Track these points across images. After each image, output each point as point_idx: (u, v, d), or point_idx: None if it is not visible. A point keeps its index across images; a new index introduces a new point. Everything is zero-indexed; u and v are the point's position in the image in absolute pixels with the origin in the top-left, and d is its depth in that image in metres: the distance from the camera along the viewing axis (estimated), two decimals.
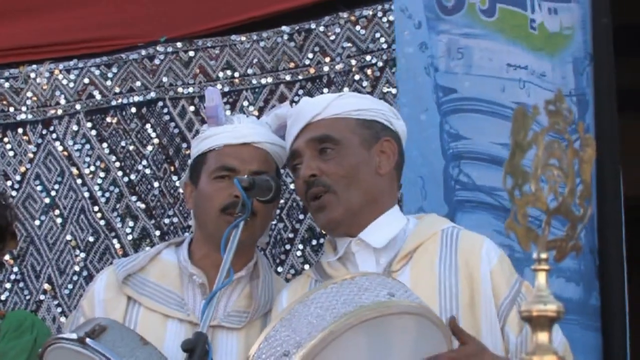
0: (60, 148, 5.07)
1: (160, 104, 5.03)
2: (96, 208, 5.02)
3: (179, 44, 5.04)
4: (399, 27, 4.71)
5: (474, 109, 4.56)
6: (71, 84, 5.09)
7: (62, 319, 4.70)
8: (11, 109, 5.13)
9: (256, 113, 4.82)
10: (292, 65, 4.97)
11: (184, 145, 4.96)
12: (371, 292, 3.68)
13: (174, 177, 4.97)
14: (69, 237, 5.02)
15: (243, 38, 5.02)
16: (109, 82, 5.08)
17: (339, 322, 3.55)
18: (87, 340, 3.80)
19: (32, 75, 5.12)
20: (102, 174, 5.04)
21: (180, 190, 4.88)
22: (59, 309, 4.90)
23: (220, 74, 4.99)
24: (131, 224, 5.00)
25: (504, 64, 4.60)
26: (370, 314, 3.57)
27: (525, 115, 2.72)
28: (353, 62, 4.80)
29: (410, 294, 3.69)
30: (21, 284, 5.01)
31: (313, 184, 3.99)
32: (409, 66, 4.61)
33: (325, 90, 4.77)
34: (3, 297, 5.00)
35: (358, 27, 4.83)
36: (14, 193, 5.08)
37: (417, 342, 3.72)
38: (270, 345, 3.60)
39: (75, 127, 5.07)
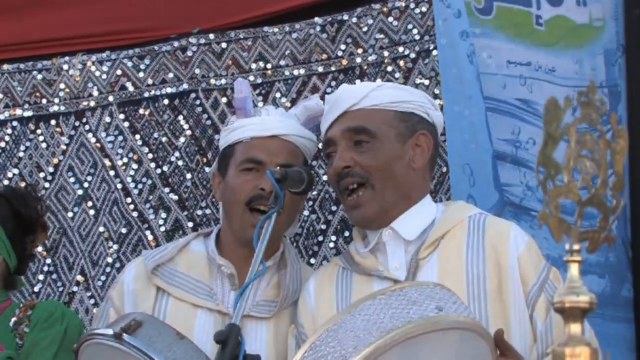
0: (93, 140, 5.03)
1: (193, 95, 4.98)
2: (129, 200, 4.99)
3: (211, 36, 5.00)
4: (439, 17, 4.63)
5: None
6: (104, 76, 5.05)
7: (95, 311, 4.62)
8: (44, 101, 5.09)
9: (288, 105, 4.79)
10: (324, 56, 4.93)
11: (216, 137, 4.85)
12: (419, 305, 3.67)
13: (207, 169, 4.93)
14: (101, 229, 4.99)
15: (275, 29, 4.97)
16: (141, 74, 5.04)
17: (385, 338, 3.53)
18: (124, 335, 3.76)
19: (65, 67, 5.07)
20: (134, 166, 5.01)
21: (208, 185, 4.83)
22: (92, 301, 4.88)
23: (253, 66, 4.95)
24: (164, 215, 4.97)
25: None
26: (418, 331, 3.56)
27: (557, 107, 2.69)
28: (385, 53, 4.77)
29: (459, 305, 3.71)
30: (54, 276, 4.97)
31: (347, 175, 3.96)
32: (452, 54, 4.53)
33: (358, 82, 4.61)
34: (36, 289, 4.96)
35: (390, 19, 4.78)
36: (47, 185, 5.04)
37: (463, 356, 3.72)
38: (315, 355, 3.59)
39: (108, 119, 5.04)
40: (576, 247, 2.63)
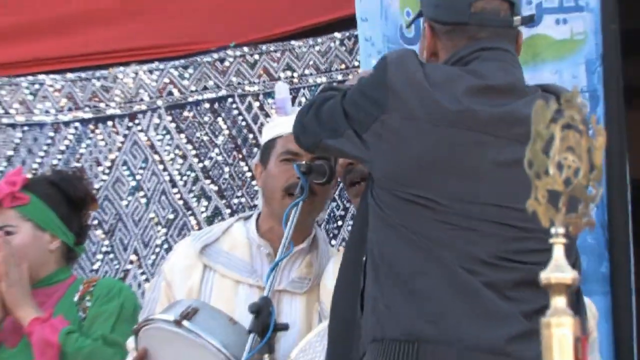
0: (144, 138, 5.13)
1: (230, 100, 5.05)
2: (175, 190, 5.08)
3: (245, 49, 5.06)
4: (364, 54, 4.65)
5: None
6: (153, 83, 5.14)
7: (146, 285, 4.70)
8: (102, 105, 5.17)
9: None
10: (342, 66, 4.97)
11: (250, 135, 4.99)
12: None
13: (242, 163, 4.99)
14: (152, 215, 5.08)
15: (301, 43, 5.03)
16: (185, 82, 5.12)
17: None
18: (184, 322, 3.78)
19: (120, 75, 5.16)
20: (180, 161, 5.09)
21: (247, 175, 4.96)
22: (143, 277, 4.97)
23: (282, 74, 5.00)
24: (205, 203, 5.03)
25: None
26: None
27: (545, 109, 2.75)
28: None
29: None
30: (111, 256, 5.07)
31: (350, 172, 3.99)
32: None
33: None
34: (95, 267, 5.05)
35: None
36: (104, 177, 5.12)
37: None
38: (310, 351, 3.72)
39: (157, 120, 5.13)
40: (561, 230, 2.71)
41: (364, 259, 3.33)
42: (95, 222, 5.01)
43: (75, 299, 4.30)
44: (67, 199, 4.38)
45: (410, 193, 3.20)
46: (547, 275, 2.74)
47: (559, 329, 2.74)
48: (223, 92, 5.07)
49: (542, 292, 2.81)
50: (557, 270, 2.73)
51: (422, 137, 3.22)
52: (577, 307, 2.94)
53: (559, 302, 2.75)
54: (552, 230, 2.73)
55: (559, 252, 2.72)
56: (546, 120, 2.77)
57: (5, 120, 5.16)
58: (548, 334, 2.75)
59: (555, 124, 2.77)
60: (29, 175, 4.48)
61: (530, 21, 3.55)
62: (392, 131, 3.23)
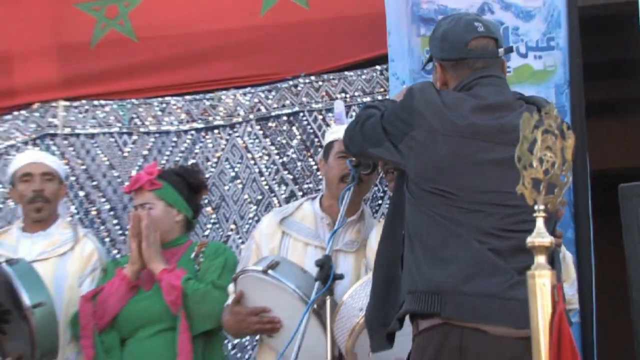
0: (240, 142, 5.05)
1: (301, 114, 5.00)
2: (262, 178, 5.00)
3: (312, 77, 5.00)
4: (392, 85, 4.61)
5: None
6: (247, 102, 5.07)
7: (242, 247, 4.60)
8: (210, 118, 5.10)
9: None
10: (381, 90, 4.89)
11: (316, 139, 4.94)
12: None
13: (310, 160, 4.94)
14: (245, 197, 5.01)
15: (352, 73, 4.96)
16: (269, 101, 5.04)
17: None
18: (269, 271, 3.83)
19: (223, 97, 5.07)
20: (266, 158, 5.02)
21: (314, 167, 4.90)
22: (240, 241, 4.90)
23: (338, 96, 4.92)
24: (284, 188, 4.97)
25: None
26: None
27: (529, 119, 2.74)
28: None
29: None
30: (217, 225, 5.01)
31: (386, 164, 4.01)
32: None
33: None
34: (206, 233, 4.97)
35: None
36: (212, 170, 5.03)
37: None
38: (357, 295, 3.71)
39: (249, 129, 5.05)
40: (542, 207, 2.70)
41: (402, 232, 3.31)
42: (206, 201, 4.98)
43: (192, 256, 4.29)
44: (188, 185, 4.38)
45: (433, 187, 3.22)
46: (532, 240, 2.79)
47: (540, 279, 2.77)
48: (296, 109, 5.01)
49: (530, 254, 2.85)
50: (539, 236, 2.77)
51: (440, 146, 3.21)
52: (553, 263, 2.88)
53: (540, 259, 2.80)
54: (535, 207, 2.76)
55: (540, 223, 2.77)
56: (531, 127, 2.79)
57: (142, 130, 5.12)
58: (532, 283, 2.77)
59: (537, 130, 2.79)
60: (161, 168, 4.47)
61: (510, 51, 3.50)
62: (419, 142, 3.22)
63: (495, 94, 3.29)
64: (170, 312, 4.11)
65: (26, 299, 3.98)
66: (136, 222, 4.20)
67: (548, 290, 2.69)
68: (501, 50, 3.37)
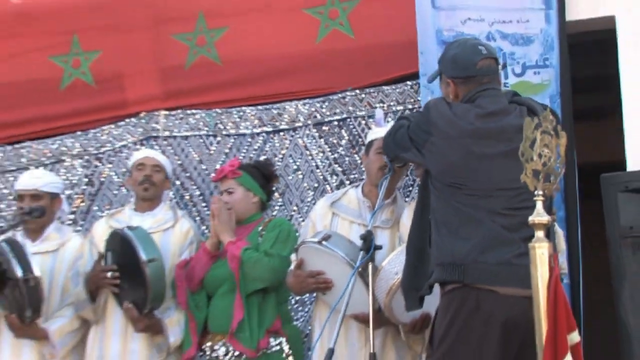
0: (300, 142, 5.00)
1: (349, 120, 4.92)
2: (318, 170, 4.94)
3: (357, 91, 4.92)
4: (423, 94, 4.58)
5: None
6: (306, 111, 5.00)
7: (302, 224, 4.52)
8: (277, 123, 5.02)
9: None
10: (412, 100, 4.81)
11: (360, 140, 4.85)
12: None
13: (355, 156, 4.86)
14: (305, 185, 4.96)
15: (388, 87, 4.87)
16: (323, 109, 4.97)
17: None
18: (323, 242, 3.85)
19: (287, 106, 5.01)
20: (321, 154, 4.95)
21: (358, 161, 4.83)
22: (301, 219, 4.81)
23: (377, 105, 4.82)
24: (335, 178, 4.90)
25: None
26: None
27: (530, 122, 2.74)
28: None
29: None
30: (282, 207, 4.97)
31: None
32: None
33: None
34: (274, 213, 4.91)
35: None
36: (279, 163, 4.97)
37: None
38: (393, 262, 3.70)
39: (308, 132, 5.00)
40: (540, 192, 2.69)
41: (429, 218, 3.33)
42: (274, 189, 4.88)
43: (259, 230, 4.24)
44: (262, 175, 4.35)
45: (451, 181, 3.24)
46: (532, 218, 2.78)
47: (540, 250, 2.74)
48: (344, 115, 4.94)
49: (530, 229, 2.81)
50: (538, 215, 2.76)
51: (453, 148, 3.24)
52: (549, 236, 2.88)
53: (539, 234, 2.78)
54: (535, 192, 2.74)
55: (539, 205, 2.77)
56: (532, 129, 2.77)
57: (224, 133, 5.09)
58: (533, 253, 2.74)
59: (537, 131, 2.77)
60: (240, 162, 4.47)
61: (504, 67, 3.54)
62: (437, 147, 3.26)
63: (494, 103, 3.29)
64: None
65: (143, 255, 4.01)
66: (213, 203, 4.18)
67: (546, 259, 2.66)
68: (499, 67, 3.41)
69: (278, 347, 4.07)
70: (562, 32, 4.48)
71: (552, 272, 2.68)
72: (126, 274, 4.11)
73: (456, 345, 3.14)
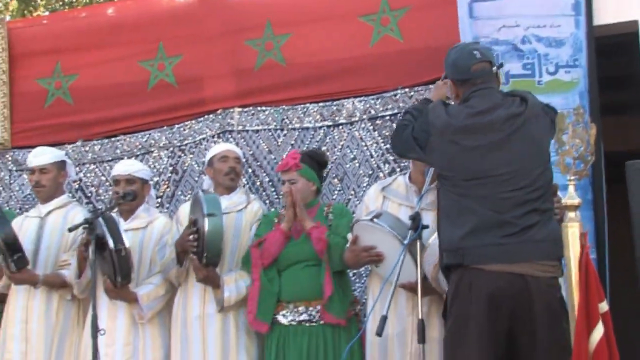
0: (357, 134, 4.94)
1: (399, 115, 4.67)
2: (372, 160, 4.88)
3: (406, 89, 4.85)
4: None
5: None
6: (361, 107, 4.94)
7: (358, 206, 4.42)
8: (336, 118, 4.99)
9: None
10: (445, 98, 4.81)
11: None
12: None
13: None
14: (361, 172, 4.91)
15: (432, 86, 4.67)
16: (377, 106, 4.91)
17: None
18: (374, 219, 3.84)
19: (345, 103, 4.96)
20: (375, 145, 4.88)
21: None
22: (357, 202, 4.71)
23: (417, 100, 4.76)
24: (387, 166, 4.83)
25: None
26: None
27: (563, 116, 2.71)
28: None
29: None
30: (341, 192, 4.93)
31: None
32: None
33: None
34: (334, 197, 4.90)
35: None
36: (337, 154, 4.94)
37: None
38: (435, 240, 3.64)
39: (363, 125, 4.94)
40: (572, 178, 2.66)
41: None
42: (333, 175, 4.97)
43: (324, 214, 4.24)
44: (317, 163, 4.34)
45: (448, 173, 3.27)
46: (565, 200, 2.73)
47: (571, 229, 2.72)
48: (395, 111, 4.85)
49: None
50: (570, 198, 2.74)
51: (447, 144, 3.27)
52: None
53: (571, 215, 2.75)
54: (567, 177, 2.72)
55: (571, 188, 2.72)
56: (564, 122, 2.74)
57: (290, 127, 5.08)
58: (566, 232, 2.71)
59: (569, 124, 2.76)
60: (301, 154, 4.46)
61: (501, 67, 3.48)
62: (435, 144, 3.30)
63: (484, 102, 3.27)
64: (313, 254, 4.11)
65: (205, 209, 4.03)
66: (289, 195, 4.18)
67: (577, 237, 2.64)
68: (494, 68, 3.37)
69: (354, 313, 4.18)
70: (589, 35, 4.46)
71: (583, 249, 2.66)
72: (196, 229, 4.15)
73: (456, 321, 3.17)
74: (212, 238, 4.04)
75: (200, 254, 4.10)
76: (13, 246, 4.23)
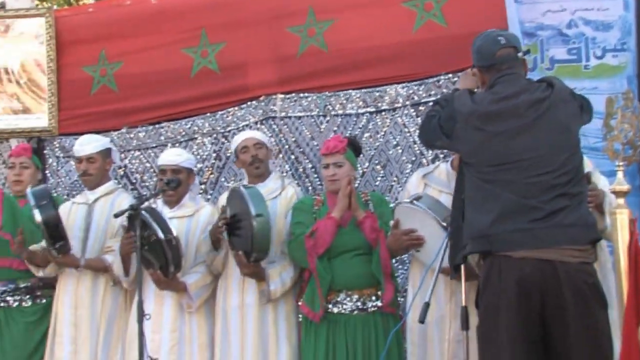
0: (400, 120, 4.94)
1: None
2: (415, 146, 4.87)
3: (450, 75, 4.81)
4: None
5: None
6: (404, 93, 4.94)
7: (400, 193, 4.51)
8: (378, 104, 4.99)
9: None
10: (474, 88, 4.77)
11: None
12: None
13: None
14: (404, 158, 4.91)
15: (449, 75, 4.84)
16: (420, 92, 4.91)
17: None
18: (413, 201, 3.85)
19: (388, 89, 4.96)
20: (418, 131, 4.54)
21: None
22: (400, 188, 4.76)
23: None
24: (430, 152, 4.83)
25: None
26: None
27: (612, 100, 2.68)
28: None
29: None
30: (384, 178, 4.93)
31: None
32: None
33: None
34: (377, 183, 4.92)
35: None
36: (380, 140, 4.97)
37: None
38: None
39: (406, 112, 4.94)
40: (621, 163, 2.62)
41: (462, 197, 3.35)
42: (376, 162, 4.97)
43: (362, 201, 4.24)
44: (356, 150, 4.34)
45: (473, 161, 3.26)
46: (614, 187, 2.69)
47: (620, 215, 2.69)
48: (439, 97, 4.75)
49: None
50: (619, 184, 2.71)
51: (472, 131, 3.26)
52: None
53: (620, 200, 2.70)
54: (616, 162, 2.69)
55: (620, 174, 2.68)
56: (613, 106, 2.70)
57: (332, 113, 5.08)
58: (614, 218, 2.67)
59: (618, 109, 2.71)
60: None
61: (527, 53, 3.46)
62: (460, 132, 3.30)
63: (508, 88, 3.26)
64: (363, 242, 4.13)
65: (253, 210, 4.04)
66: (347, 184, 4.16)
67: (626, 223, 2.61)
68: (520, 54, 3.36)
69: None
70: (639, 18, 4.40)
71: (632, 236, 2.63)
72: (239, 225, 4.16)
73: (487, 310, 3.15)
74: (261, 238, 4.06)
75: (248, 253, 4.12)
76: (55, 231, 4.28)
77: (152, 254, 4.17)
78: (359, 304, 4.08)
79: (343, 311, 4.09)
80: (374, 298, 4.10)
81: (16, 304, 4.60)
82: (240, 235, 4.17)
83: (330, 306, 4.11)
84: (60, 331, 4.52)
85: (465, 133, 3.28)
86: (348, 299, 4.09)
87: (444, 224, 3.66)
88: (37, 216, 4.20)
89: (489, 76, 3.38)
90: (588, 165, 3.69)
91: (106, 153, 4.73)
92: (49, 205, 4.27)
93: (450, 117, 3.34)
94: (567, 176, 3.08)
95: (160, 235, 4.03)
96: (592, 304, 3.02)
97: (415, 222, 3.87)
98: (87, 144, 4.66)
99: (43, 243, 4.48)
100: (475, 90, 3.52)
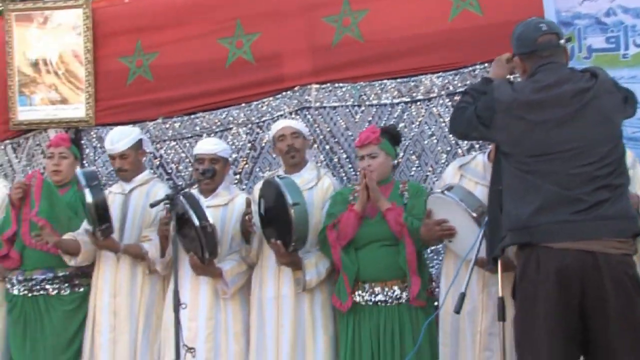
0: (435, 110, 4.91)
1: None
2: (450, 136, 4.78)
3: (486, 64, 4.73)
4: None
5: None
6: (439, 83, 4.91)
7: (435, 183, 4.54)
8: (413, 94, 4.96)
9: None
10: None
11: None
12: None
13: None
14: (439, 148, 4.90)
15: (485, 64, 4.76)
16: (455, 82, 4.87)
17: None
18: (445, 192, 3.85)
19: (423, 79, 4.94)
20: (444, 123, 4.88)
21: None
22: (435, 179, 4.77)
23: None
24: (465, 142, 4.77)
25: None
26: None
27: None
28: None
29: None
30: (419, 168, 4.93)
31: None
32: None
33: None
34: (412, 173, 4.91)
35: None
36: (415, 130, 4.94)
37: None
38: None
39: (441, 102, 4.91)
40: None
41: (500, 188, 3.31)
42: (411, 152, 4.96)
43: (399, 192, 4.25)
44: (393, 137, 4.35)
45: (513, 151, 3.22)
46: None
47: None
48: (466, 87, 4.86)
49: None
50: None
51: (513, 120, 3.22)
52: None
53: None
54: None
55: None
56: None
57: (367, 103, 5.06)
58: None
59: None
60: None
61: (569, 41, 3.42)
62: (500, 121, 3.25)
63: (550, 76, 3.22)
64: (389, 234, 4.12)
65: (289, 199, 4.05)
66: (363, 177, 4.16)
67: None
68: (562, 41, 3.31)
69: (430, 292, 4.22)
70: None
71: None
72: (276, 216, 4.16)
73: (524, 301, 3.12)
74: (299, 227, 4.07)
75: (287, 243, 4.13)
76: (104, 214, 4.31)
77: (188, 239, 4.21)
78: (382, 296, 4.09)
79: (369, 302, 4.10)
80: (400, 290, 4.10)
81: (55, 292, 4.66)
82: (277, 226, 4.18)
83: (356, 297, 4.12)
84: (99, 319, 4.58)
85: (505, 123, 3.24)
86: (372, 290, 4.10)
87: (475, 214, 3.65)
88: (88, 196, 4.23)
89: (530, 64, 3.34)
90: (629, 156, 3.69)
91: (137, 145, 4.75)
92: (99, 186, 4.30)
93: (488, 106, 3.30)
94: (609, 168, 3.08)
95: (196, 221, 4.05)
96: (633, 295, 3.01)
97: (447, 212, 3.86)
98: (118, 142, 4.68)
99: (81, 229, 4.52)
100: (511, 78, 3.50)
